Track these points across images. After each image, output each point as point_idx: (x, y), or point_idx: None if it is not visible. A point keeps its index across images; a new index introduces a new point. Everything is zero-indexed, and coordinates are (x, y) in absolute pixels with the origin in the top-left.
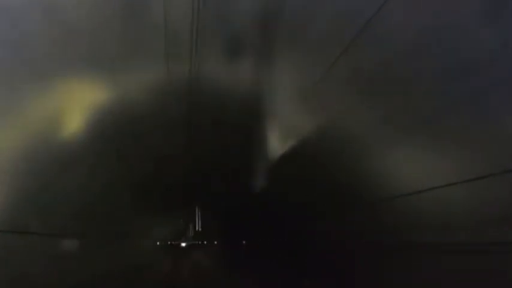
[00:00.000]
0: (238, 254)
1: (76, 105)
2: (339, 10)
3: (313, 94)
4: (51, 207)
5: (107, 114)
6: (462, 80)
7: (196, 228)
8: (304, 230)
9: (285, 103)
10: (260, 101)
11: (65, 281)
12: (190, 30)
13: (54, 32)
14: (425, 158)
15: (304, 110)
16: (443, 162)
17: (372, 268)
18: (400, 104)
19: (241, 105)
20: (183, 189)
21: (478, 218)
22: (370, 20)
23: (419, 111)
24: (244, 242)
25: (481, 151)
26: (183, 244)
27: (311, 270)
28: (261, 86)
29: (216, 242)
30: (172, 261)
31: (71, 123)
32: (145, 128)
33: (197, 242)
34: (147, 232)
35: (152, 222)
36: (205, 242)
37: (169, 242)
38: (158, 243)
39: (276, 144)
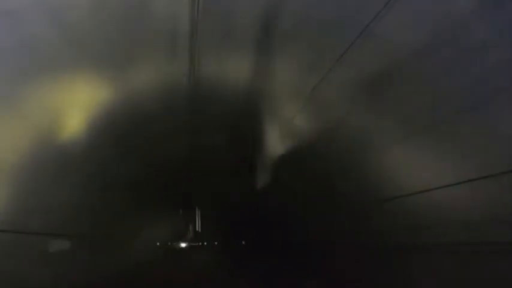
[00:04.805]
0: (239, 254)
1: (77, 107)
2: (340, 11)
3: (314, 94)
4: (52, 207)
5: (107, 115)
6: (463, 81)
7: (196, 228)
8: (305, 230)
9: (286, 103)
10: (260, 102)
11: (64, 281)
12: (190, 31)
13: (54, 36)
14: (426, 158)
15: (304, 110)
16: (443, 163)
17: (372, 268)
18: (400, 105)
19: (241, 105)
20: (183, 188)
21: (478, 218)
22: (371, 22)
23: (420, 112)
24: (244, 242)
25: (481, 152)
26: (183, 245)
27: (313, 270)
28: (261, 86)
29: (216, 243)
30: (172, 259)
31: (72, 124)
32: (145, 128)
33: (197, 243)
34: (146, 232)
35: (152, 222)
36: (205, 243)
37: (169, 243)
38: (158, 243)
39: (277, 144)
